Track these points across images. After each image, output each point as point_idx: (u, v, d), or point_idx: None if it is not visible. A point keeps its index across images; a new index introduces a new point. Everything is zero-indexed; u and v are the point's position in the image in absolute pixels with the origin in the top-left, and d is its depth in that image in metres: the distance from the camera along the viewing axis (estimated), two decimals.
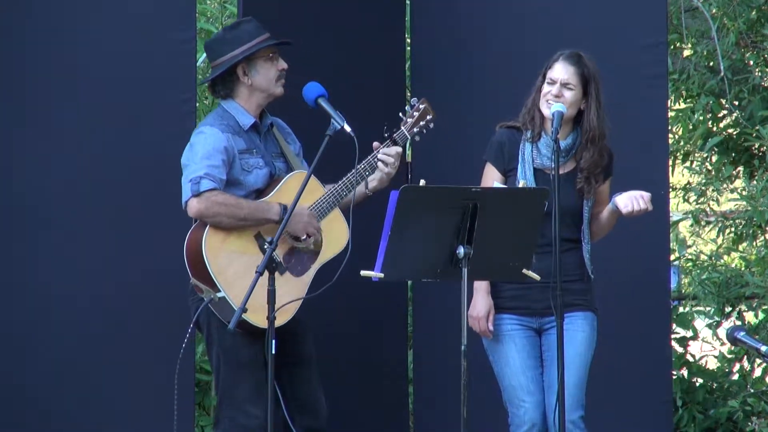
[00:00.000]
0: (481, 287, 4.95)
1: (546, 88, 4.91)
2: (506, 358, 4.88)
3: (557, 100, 4.86)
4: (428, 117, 5.11)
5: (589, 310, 4.93)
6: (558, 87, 4.88)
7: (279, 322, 4.61)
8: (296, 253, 4.89)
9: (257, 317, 4.59)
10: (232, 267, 4.80)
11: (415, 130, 5.09)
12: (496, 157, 4.99)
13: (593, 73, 4.91)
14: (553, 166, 4.84)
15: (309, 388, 5.00)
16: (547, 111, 4.87)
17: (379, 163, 4.95)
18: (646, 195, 4.81)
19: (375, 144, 4.97)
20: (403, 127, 5.06)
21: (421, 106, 5.11)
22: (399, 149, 4.99)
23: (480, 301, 4.94)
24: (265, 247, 4.84)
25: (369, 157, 4.96)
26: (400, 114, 5.08)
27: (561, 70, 4.89)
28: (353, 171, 4.90)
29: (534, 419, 4.81)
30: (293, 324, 4.95)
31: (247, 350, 4.83)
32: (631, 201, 4.81)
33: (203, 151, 4.87)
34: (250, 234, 4.86)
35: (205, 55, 7.56)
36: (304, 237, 4.87)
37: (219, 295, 4.76)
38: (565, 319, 4.83)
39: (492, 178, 4.97)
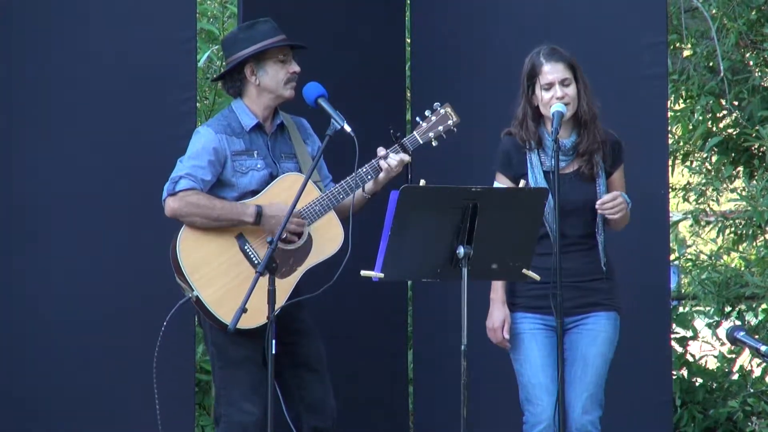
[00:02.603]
0: (497, 297, 4.95)
1: (545, 95, 4.88)
2: (527, 357, 4.87)
3: (563, 101, 4.86)
4: (450, 122, 5.04)
5: (613, 309, 4.92)
6: (559, 88, 4.88)
7: (253, 323, 4.61)
8: (281, 254, 4.87)
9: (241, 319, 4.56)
10: (207, 266, 4.80)
11: (431, 134, 5.02)
12: (503, 166, 4.98)
13: (574, 60, 4.92)
14: (562, 166, 4.88)
15: (316, 389, 4.99)
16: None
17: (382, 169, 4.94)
18: (608, 203, 4.83)
19: (380, 149, 4.94)
20: (415, 132, 5.02)
21: (441, 111, 5.04)
22: (405, 158, 4.91)
23: (495, 312, 4.95)
24: (246, 247, 4.85)
25: (373, 160, 4.93)
26: (417, 118, 5.05)
27: (553, 71, 4.88)
28: (353, 174, 4.88)
29: (551, 418, 4.80)
30: (299, 325, 4.95)
31: (241, 348, 4.83)
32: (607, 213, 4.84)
33: (192, 150, 4.89)
34: (230, 234, 4.86)
35: (205, 55, 7.62)
36: (285, 236, 4.83)
37: (194, 294, 4.77)
38: (589, 318, 4.88)
39: (503, 185, 4.98)
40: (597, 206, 4.81)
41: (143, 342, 5.53)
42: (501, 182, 4.98)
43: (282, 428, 4.90)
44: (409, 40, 6.71)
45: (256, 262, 4.75)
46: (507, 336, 4.93)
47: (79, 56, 5.61)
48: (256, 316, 4.56)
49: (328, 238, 4.90)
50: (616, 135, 4.99)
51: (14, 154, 5.54)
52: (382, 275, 4.45)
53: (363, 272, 4.46)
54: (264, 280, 4.61)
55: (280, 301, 4.73)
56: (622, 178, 5.01)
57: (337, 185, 4.91)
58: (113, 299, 5.59)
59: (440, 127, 5.03)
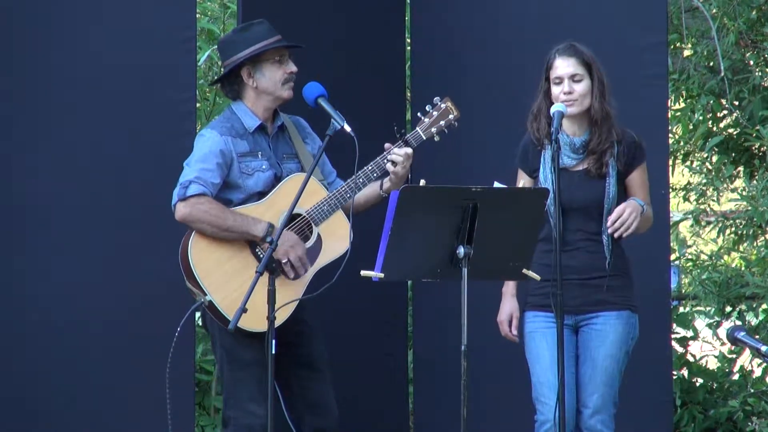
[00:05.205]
0: (507, 291, 4.99)
1: (555, 89, 4.90)
2: (537, 355, 4.89)
3: (569, 96, 4.86)
4: (450, 116, 5.01)
5: (624, 308, 4.92)
6: (567, 83, 4.88)
7: (265, 325, 4.60)
8: None
9: (247, 321, 4.55)
10: (219, 270, 4.79)
11: (433, 130, 4.99)
12: (522, 160, 5.02)
13: (591, 58, 4.92)
14: (572, 163, 4.90)
15: (318, 389, 4.98)
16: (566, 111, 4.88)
17: (389, 164, 4.90)
18: (616, 221, 4.82)
19: (386, 145, 4.94)
20: (418, 127, 5.00)
21: (442, 105, 5.01)
22: (409, 150, 4.89)
23: (504, 306, 4.98)
24: (257, 250, 4.84)
25: (378, 158, 4.92)
26: (419, 113, 5.04)
27: (563, 65, 4.89)
28: (359, 172, 4.87)
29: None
30: (301, 326, 4.94)
31: (249, 350, 4.81)
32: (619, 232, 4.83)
33: (199, 154, 4.87)
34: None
35: (206, 55, 7.62)
36: (285, 261, 4.82)
37: (207, 298, 4.76)
38: (599, 317, 4.89)
39: (522, 182, 5.01)
40: (609, 229, 4.80)
41: (144, 342, 5.55)
42: (519, 177, 5.01)
43: (284, 429, 4.89)
44: (409, 40, 6.71)
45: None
46: (515, 332, 4.96)
47: (79, 56, 5.61)
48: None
49: (337, 237, 4.88)
50: (635, 135, 4.97)
51: (14, 154, 5.54)
52: (382, 275, 4.45)
53: (363, 272, 4.46)
54: (286, 284, 4.70)
55: (293, 299, 4.76)
56: (641, 177, 4.97)
57: (343, 184, 4.91)
58: (113, 299, 5.59)
59: (442, 122, 5.02)
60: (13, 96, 5.55)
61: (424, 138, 4.99)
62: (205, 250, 4.80)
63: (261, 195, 4.91)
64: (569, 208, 4.83)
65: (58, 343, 5.53)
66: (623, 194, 4.95)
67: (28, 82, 5.57)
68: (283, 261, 4.79)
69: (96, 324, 5.57)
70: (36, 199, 5.55)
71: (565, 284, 4.74)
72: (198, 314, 5.69)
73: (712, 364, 7.84)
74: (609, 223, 4.81)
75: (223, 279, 4.77)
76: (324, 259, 4.89)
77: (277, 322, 4.63)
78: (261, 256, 4.81)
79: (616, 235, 4.82)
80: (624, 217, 4.80)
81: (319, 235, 4.90)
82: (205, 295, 4.76)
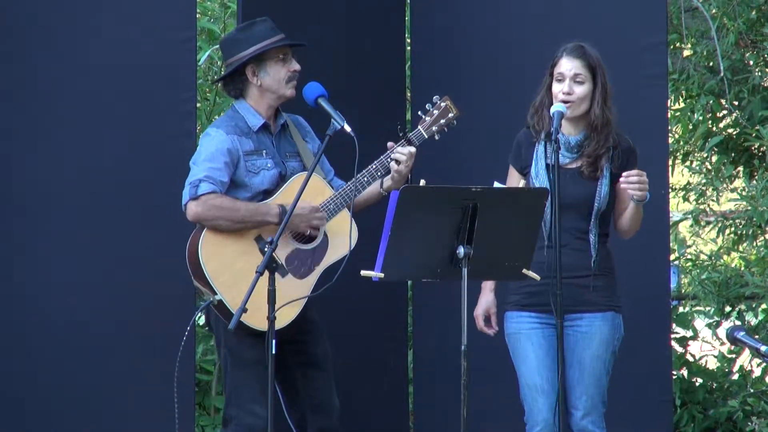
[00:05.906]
0: (486, 285, 5.00)
1: (556, 86, 4.90)
2: (523, 357, 4.88)
3: (568, 97, 4.86)
4: (450, 115, 5.04)
5: (608, 309, 4.91)
6: (568, 82, 4.88)
7: (279, 324, 4.59)
8: (299, 254, 4.88)
9: (254, 319, 4.57)
10: (229, 270, 4.79)
11: (434, 128, 5.02)
12: (514, 157, 5.03)
13: (598, 62, 4.92)
14: (566, 161, 4.90)
15: (323, 389, 4.98)
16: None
17: (392, 163, 4.91)
18: (634, 177, 4.81)
19: (390, 144, 4.95)
20: (420, 126, 5.01)
21: (442, 104, 5.04)
22: (412, 149, 4.91)
23: (481, 300, 4.99)
24: (265, 249, 4.84)
25: (382, 156, 4.93)
26: (420, 112, 5.05)
27: (567, 64, 4.90)
28: (364, 171, 4.88)
29: (547, 419, 4.81)
30: (307, 325, 4.95)
31: (253, 350, 4.81)
32: (630, 188, 4.83)
33: (206, 153, 4.87)
34: (250, 237, 4.85)
35: (206, 55, 7.62)
36: (308, 232, 4.83)
37: (216, 298, 4.76)
38: (583, 319, 4.88)
39: (513, 178, 5.01)
40: (622, 178, 4.78)
41: (144, 342, 5.55)
42: (510, 174, 5.02)
43: (285, 430, 4.90)
44: (409, 40, 6.71)
45: (278, 263, 4.70)
46: (496, 327, 4.98)
47: (79, 56, 5.61)
48: (278, 319, 4.56)
49: (343, 235, 4.88)
50: (630, 141, 4.98)
51: (14, 154, 5.54)
52: (382, 275, 4.45)
53: (363, 272, 4.46)
54: (294, 283, 4.71)
55: (302, 300, 4.78)
56: None
57: (348, 183, 4.92)
58: (113, 299, 5.59)
59: (442, 121, 5.04)
60: (13, 96, 5.55)
61: (426, 136, 5.01)
62: (214, 251, 4.80)
63: (266, 193, 4.92)
64: (559, 205, 4.82)
65: (58, 343, 5.53)
66: (614, 197, 4.95)
67: (28, 82, 5.57)
68: (307, 233, 4.82)
69: (96, 324, 5.56)
70: (36, 199, 5.55)
71: (553, 282, 4.74)
72: (199, 314, 5.69)
73: (712, 364, 7.84)
74: (626, 174, 4.78)
75: (234, 279, 4.77)
76: (331, 258, 4.90)
77: (285, 322, 4.64)
78: None
79: (623, 185, 4.79)
80: (643, 179, 4.79)
81: (325, 234, 4.91)
82: (215, 294, 4.76)
